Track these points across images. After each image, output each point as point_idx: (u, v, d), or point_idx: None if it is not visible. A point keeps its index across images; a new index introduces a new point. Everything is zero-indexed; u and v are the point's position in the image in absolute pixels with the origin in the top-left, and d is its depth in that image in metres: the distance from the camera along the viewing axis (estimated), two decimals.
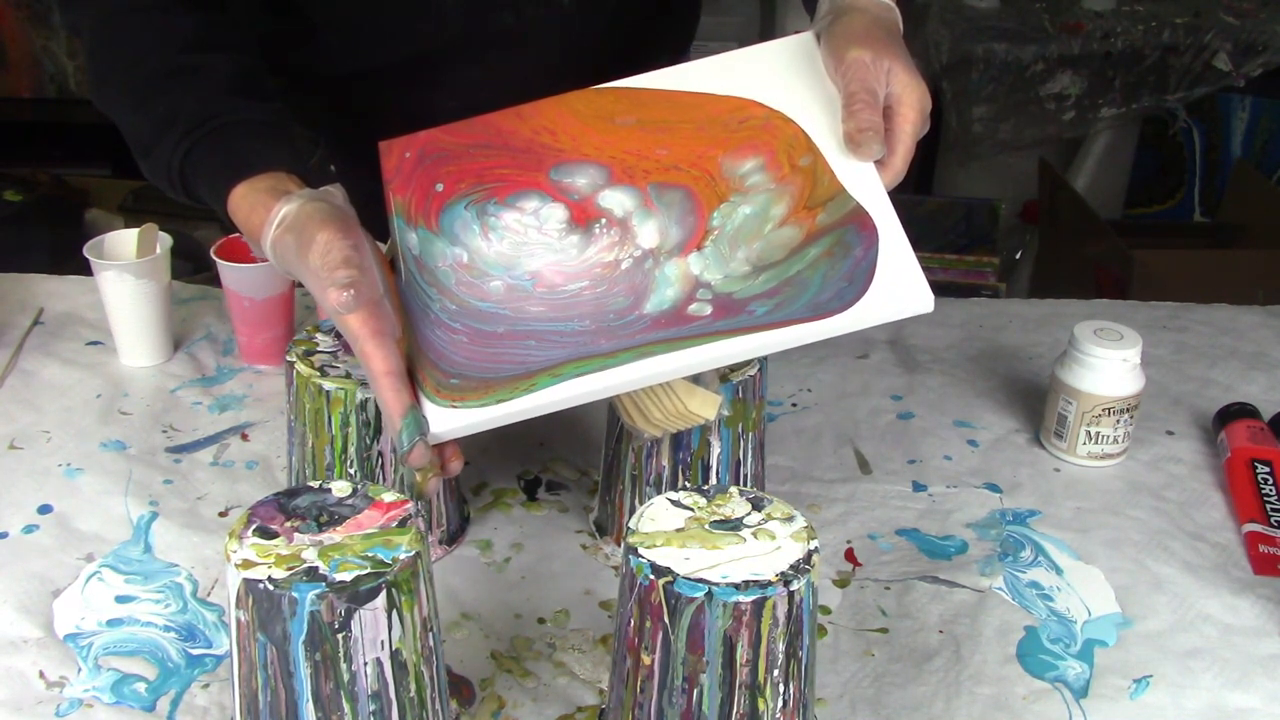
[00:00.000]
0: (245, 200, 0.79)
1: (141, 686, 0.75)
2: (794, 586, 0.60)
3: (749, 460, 0.86)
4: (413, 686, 0.62)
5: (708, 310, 0.75)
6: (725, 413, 0.81)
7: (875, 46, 0.80)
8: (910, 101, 0.80)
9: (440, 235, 0.81)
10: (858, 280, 0.75)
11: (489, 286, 0.78)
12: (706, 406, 0.79)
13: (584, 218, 0.80)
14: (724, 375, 0.82)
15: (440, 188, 0.83)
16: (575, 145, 0.83)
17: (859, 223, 0.77)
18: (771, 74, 0.84)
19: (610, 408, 0.87)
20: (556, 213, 0.80)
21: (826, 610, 0.83)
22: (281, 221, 0.76)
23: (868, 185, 0.79)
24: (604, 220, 0.80)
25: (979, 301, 1.31)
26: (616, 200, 0.80)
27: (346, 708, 0.60)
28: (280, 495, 0.65)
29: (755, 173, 0.80)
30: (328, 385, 0.80)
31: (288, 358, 0.83)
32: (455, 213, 0.81)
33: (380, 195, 0.85)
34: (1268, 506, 0.92)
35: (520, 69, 0.99)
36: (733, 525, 0.64)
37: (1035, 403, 1.06)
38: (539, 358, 0.75)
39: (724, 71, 0.85)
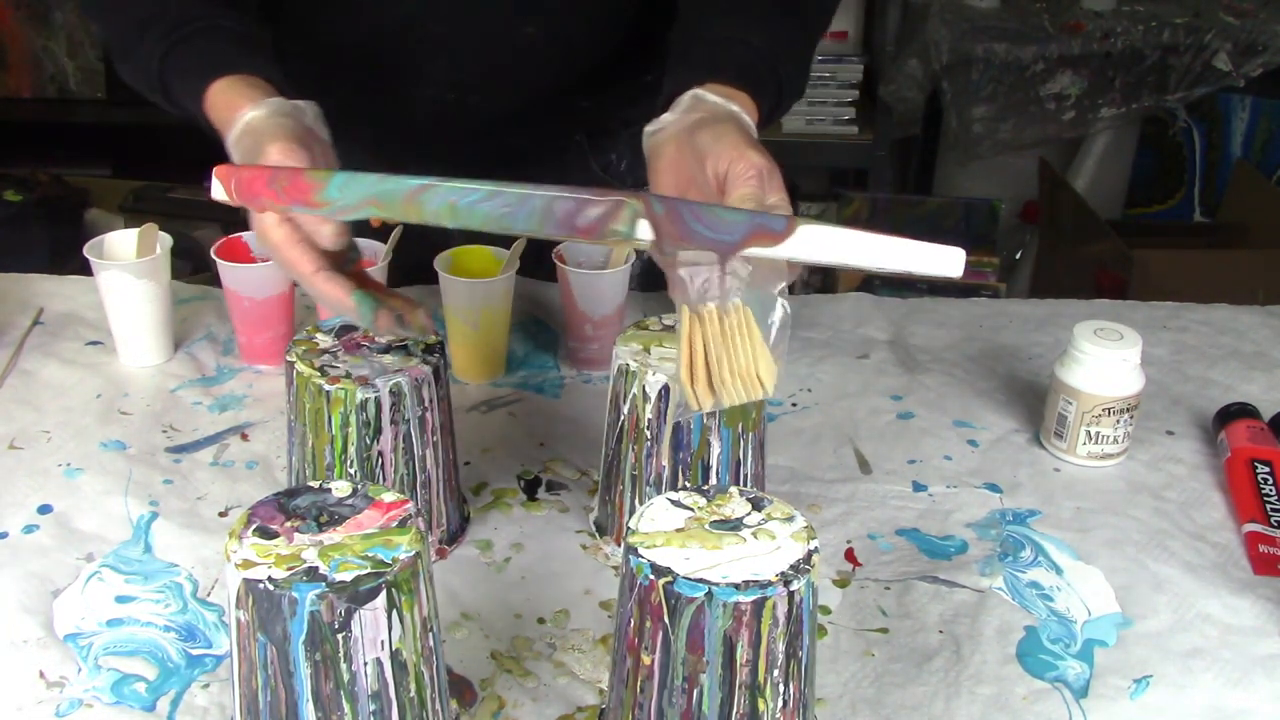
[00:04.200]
0: (222, 95, 0.80)
1: (141, 686, 0.75)
2: (794, 586, 0.60)
3: (749, 460, 0.86)
4: (413, 687, 0.62)
5: None
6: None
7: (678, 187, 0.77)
8: (738, 173, 0.74)
9: None
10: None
11: None
12: (769, 374, 0.73)
13: None
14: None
15: None
16: None
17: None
18: None
19: (610, 407, 0.87)
20: None
21: (826, 610, 0.83)
22: (248, 125, 0.78)
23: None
24: None
25: (979, 301, 1.31)
26: None
27: (346, 708, 0.60)
28: (280, 495, 0.65)
29: None
30: (328, 385, 0.80)
31: (288, 358, 0.83)
32: None
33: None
34: (1268, 506, 0.92)
35: (507, 35, 1.00)
36: (733, 525, 0.64)
37: (1035, 403, 1.06)
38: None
39: None
